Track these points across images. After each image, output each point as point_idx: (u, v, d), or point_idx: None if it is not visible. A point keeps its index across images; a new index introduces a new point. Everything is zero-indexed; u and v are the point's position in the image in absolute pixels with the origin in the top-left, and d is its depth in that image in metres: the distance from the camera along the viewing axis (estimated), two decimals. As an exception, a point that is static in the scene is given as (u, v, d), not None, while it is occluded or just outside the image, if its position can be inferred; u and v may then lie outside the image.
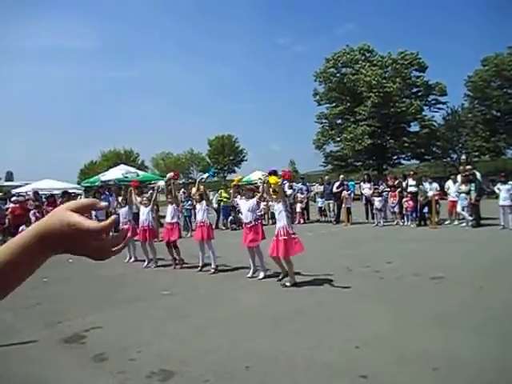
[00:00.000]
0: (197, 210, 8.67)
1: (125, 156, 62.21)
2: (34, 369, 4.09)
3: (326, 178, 17.76)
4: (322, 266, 8.13)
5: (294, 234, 6.92)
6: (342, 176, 17.54)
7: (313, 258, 8.96)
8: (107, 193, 14.75)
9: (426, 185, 13.94)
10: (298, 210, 17.03)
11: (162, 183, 10.78)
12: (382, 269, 7.69)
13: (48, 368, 4.11)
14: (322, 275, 7.26)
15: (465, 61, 73.58)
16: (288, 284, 6.84)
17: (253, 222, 7.62)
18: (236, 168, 64.09)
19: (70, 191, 16.31)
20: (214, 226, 9.20)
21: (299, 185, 18.05)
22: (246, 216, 7.78)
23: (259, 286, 6.99)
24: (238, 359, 4.03)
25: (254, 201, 7.71)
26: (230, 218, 16.53)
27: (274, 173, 7.63)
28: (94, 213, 13.59)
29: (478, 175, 13.61)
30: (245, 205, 7.81)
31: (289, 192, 16.99)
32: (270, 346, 4.33)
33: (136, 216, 10.58)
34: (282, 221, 6.94)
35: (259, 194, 7.73)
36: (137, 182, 10.75)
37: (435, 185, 14.04)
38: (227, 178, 54.88)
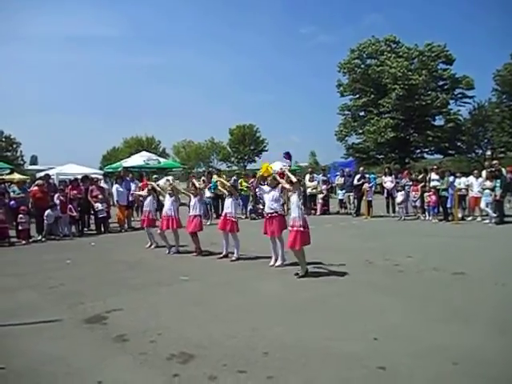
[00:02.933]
0: (226, 203, 8.67)
1: (146, 143, 62.87)
2: (57, 347, 4.20)
3: (347, 170, 17.62)
4: (341, 257, 8.10)
5: (305, 226, 6.86)
6: (361, 168, 17.38)
7: (333, 249, 8.95)
8: (128, 178, 14.93)
9: (456, 179, 13.76)
10: (320, 200, 16.99)
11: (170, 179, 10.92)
12: (402, 262, 7.62)
13: (71, 347, 4.21)
14: (342, 267, 7.24)
15: (494, 54, 71.77)
16: (300, 273, 6.85)
17: (276, 213, 7.55)
18: (256, 158, 64.09)
19: (93, 176, 16.50)
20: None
21: (320, 176, 17.98)
22: (268, 205, 7.67)
23: (279, 275, 7.01)
24: (256, 345, 4.06)
25: (277, 190, 7.64)
26: (250, 207, 16.57)
27: (287, 156, 7.60)
28: (115, 198, 13.87)
29: (504, 171, 13.33)
30: (268, 194, 7.73)
31: (311, 184, 16.99)
32: (289, 334, 4.35)
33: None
34: (295, 212, 6.91)
35: (282, 185, 7.65)
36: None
37: (464, 179, 13.82)
38: (247, 168, 55.02)
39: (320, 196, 17.04)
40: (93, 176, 16.26)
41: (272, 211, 7.58)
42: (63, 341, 4.36)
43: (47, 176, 14.46)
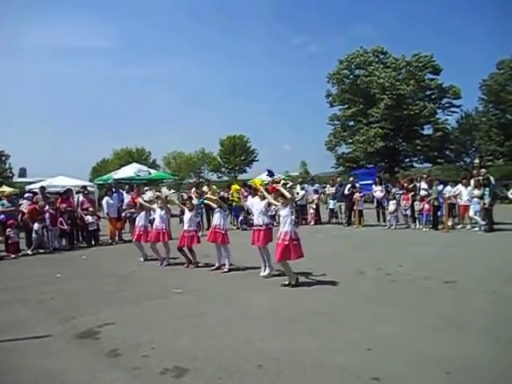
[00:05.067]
0: (215, 215, 8.71)
1: (137, 154, 62.75)
2: (48, 363, 4.15)
3: (339, 179, 17.72)
4: (333, 267, 8.13)
5: (297, 239, 6.89)
6: (351, 178, 17.49)
7: (324, 259, 8.98)
8: (120, 190, 14.85)
9: (448, 188, 13.89)
10: (311, 210, 17.07)
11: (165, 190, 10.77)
12: (394, 272, 7.66)
13: (63, 362, 4.16)
14: (334, 277, 7.24)
15: (480, 64, 72.97)
16: (293, 282, 6.88)
17: (263, 226, 7.65)
18: (247, 168, 64.30)
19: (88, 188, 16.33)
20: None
21: (311, 186, 18.06)
22: (256, 218, 7.82)
23: (271, 286, 7.01)
24: (250, 358, 4.05)
25: (264, 203, 7.72)
26: (240, 218, 16.57)
27: (270, 174, 7.82)
28: (105, 210, 13.79)
29: (492, 179, 13.50)
30: (256, 207, 7.85)
31: (301, 193, 17.04)
32: (282, 345, 4.35)
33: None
34: (286, 225, 6.91)
35: (268, 200, 7.67)
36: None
37: (448, 188, 13.96)
38: (238, 178, 55.07)
39: (312, 206, 17.12)
40: (88, 188, 16.14)
41: (259, 224, 7.68)
42: (56, 356, 4.31)
43: (43, 188, 14.21)
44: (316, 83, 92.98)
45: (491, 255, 9.19)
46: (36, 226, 11.90)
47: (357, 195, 15.56)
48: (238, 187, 8.20)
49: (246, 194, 15.44)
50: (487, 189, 12.66)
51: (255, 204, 7.93)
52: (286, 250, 6.76)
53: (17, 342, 4.74)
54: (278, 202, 7.26)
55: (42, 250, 12.04)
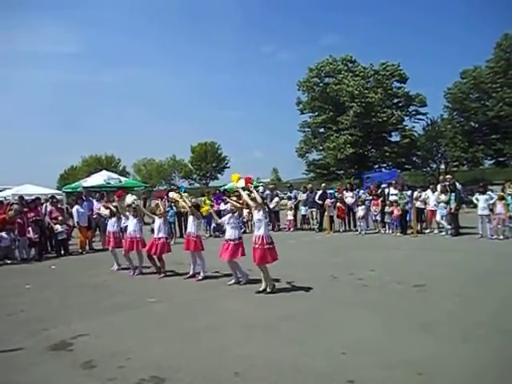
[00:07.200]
0: (188, 223, 8.66)
1: (106, 161, 61.82)
2: (21, 377, 4.07)
3: (309, 186, 17.88)
4: (306, 273, 8.23)
5: (271, 243, 6.98)
6: (323, 184, 17.70)
7: (297, 265, 9.07)
8: (90, 198, 14.62)
9: (419, 193, 14.18)
10: (290, 217, 17.19)
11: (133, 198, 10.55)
12: (366, 276, 7.82)
13: (36, 376, 4.09)
14: (307, 283, 7.33)
15: (445, 73, 75.47)
16: (269, 290, 6.94)
17: (235, 241, 7.56)
18: (219, 175, 64.25)
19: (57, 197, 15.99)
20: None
21: (289, 193, 18.26)
22: (228, 232, 7.71)
23: (245, 293, 7.03)
24: (227, 365, 4.08)
25: (236, 217, 7.75)
26: (213, 225, 16.51)
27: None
28: (76, 219, 13.53)
29: (458, 185, 13.92)
30: (227, 219, 7.81)
31: (275, 199, 17.16)
32: (259, 352, 4.39)
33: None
34: (260, 229, 6.99)
35: (240, 207, 7.66)
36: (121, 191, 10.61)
37: (423, 193, 14.26)
38: (210, 185, 54.91)
39: (290, 213, 17.27)
40: (57, 196, 15.80)
41: (230, 238, 7.60)
42: (29, 370, 4.22)
43: (21, 199, 13.72)
44: (287, 90, 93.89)
45: (458, 258, 9.48)
46: (1, 235, 11.56)
47: (328, 201, 15.76)
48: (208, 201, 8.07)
49: (218, 201, 15.61)
50: (453, 194, 13.06)
51: (226, 217, 7.91)
52: (263, 254, 6.84)
53: (-13, 356, 4.61)
54: (253, 203, 7.28)
55: (9, 261, 11.71)
